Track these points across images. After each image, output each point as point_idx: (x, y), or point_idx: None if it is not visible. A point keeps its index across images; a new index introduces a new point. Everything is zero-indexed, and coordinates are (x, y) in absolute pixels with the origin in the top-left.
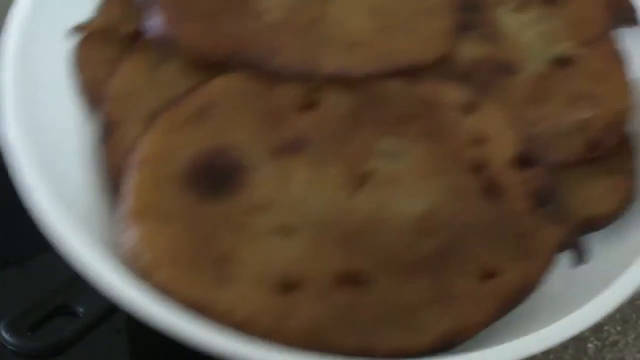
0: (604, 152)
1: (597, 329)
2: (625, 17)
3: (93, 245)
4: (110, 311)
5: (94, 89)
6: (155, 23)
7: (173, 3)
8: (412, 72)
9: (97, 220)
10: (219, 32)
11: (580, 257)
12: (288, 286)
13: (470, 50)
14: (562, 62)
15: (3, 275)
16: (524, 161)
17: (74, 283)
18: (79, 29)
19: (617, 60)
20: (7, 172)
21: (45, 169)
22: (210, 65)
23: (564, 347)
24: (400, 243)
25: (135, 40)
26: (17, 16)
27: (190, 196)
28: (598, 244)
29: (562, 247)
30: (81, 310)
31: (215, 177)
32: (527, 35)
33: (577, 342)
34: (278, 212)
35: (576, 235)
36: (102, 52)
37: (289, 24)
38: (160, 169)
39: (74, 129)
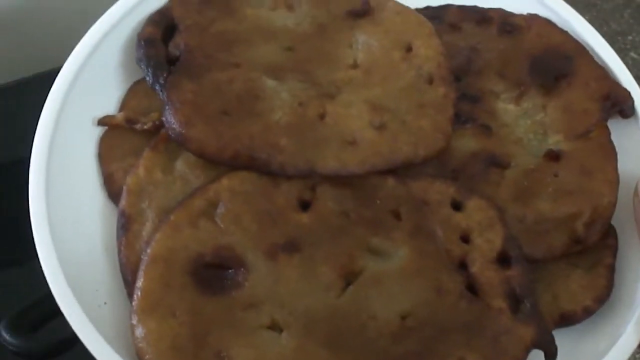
0: (586, 246)
1: None
2: (620, 109)
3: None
4: None
5: (115, 182)
6: (169, 120)
7: (186, 102)
8: (406, 168)
9: (115, 312)
10: (225, 134)
11: (551, 356)
12: None
13: (465, 143)
14: (553, 156)
15: (3, 275)
16: (506, 259)
17: None
18: (104, 121)
19: (607, 154)
20: (7, 174)
21: (65, 258)
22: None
23: None
24: (382, 342)
25: (156, 131)
26: (49, 107)
27: (193, 292)
28: (570, 339)
29: (534, 346)
30: None
31: (216, 274)
32: (522, 125)
33: None
34: (269, 310)
35: (549, 333)
36: (125, 143)
37: (291, 124)
38: (167, 267)
39: (98, 221)
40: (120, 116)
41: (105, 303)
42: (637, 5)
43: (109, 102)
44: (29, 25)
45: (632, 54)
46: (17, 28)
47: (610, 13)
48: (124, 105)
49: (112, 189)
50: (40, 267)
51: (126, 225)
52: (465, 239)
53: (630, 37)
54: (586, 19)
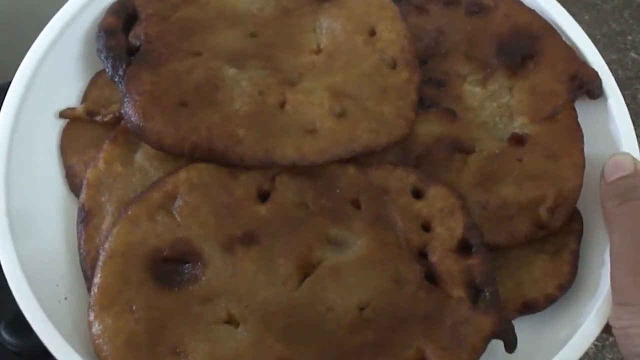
0: (551, 232)
1: None
2: (587, 89)
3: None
4: None
5: (76, 175)
6: (127, 113)
7: (143, 94)
8: (368, 155)
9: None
10: (183, 125)
11: (511, 345)
12: None
13: (429, 128)
14: (517, 140)
15: (3, 275)
16: (467, 247)
17: None
18: (65, 113)
19: (573, 136)
20: None
21: (24, 253)
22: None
23: None
24: (339, 333)
25: (117, 123)
26: (9, 100)
27: (150, 287)
28: (531, 327)
29: (493, 336)
30: None
31: (173, 268)
32: (487, 108)
33: None
34: (226, 304)
35: (508, 322)
36: (87, 136)
37: (250, 114)
38: (124, 262)
39: (59, 215)
40: (81, 108)
41: (65, 298)
42: (637, 5)
43: (70, 93)
44: (29, 25)
45: (632, 54)
46: (16, 28)
47: (610, 13)
48: (85, 96)
49: (73, 182)
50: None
51: (86, 219)
52: (426, 227)
53: (630, 37)
54: (586, 19)
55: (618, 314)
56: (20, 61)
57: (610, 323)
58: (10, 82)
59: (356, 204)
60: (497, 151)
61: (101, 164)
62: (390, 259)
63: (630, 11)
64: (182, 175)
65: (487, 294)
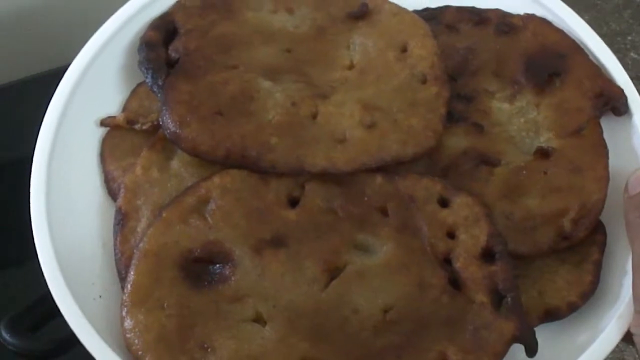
0: (574, 243)
1: None
2: (613, 106)
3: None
4: None
5: (114, 180)
6: (164, 120)
7: (181, 103)
8: (396, 165)
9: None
10: (218, 133)
11: (531, 350)
12: None
13: (456, 141)
14: (543, 154)
15: (3, 275)
16: (490, 254)
17: None
18: (106, 122)
19: (598, 151)
20: (8, 174)
21: (62, 252)
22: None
23: None
24: (363, 335)
25: (155, 131)
26: (52, 108)
27: (182, 286)
28: (552, 333)
29: (515, 341)
30: None
31: (204, 269)
32: (515, 124)
33: None
34: (254, 303)
35: (530, 328)
36: (127, 143)
37: (283, 124)
38: (157, 261)
39: (97, 218)
40: (121, 117)
41: (100, 296)
42: (637, 5)
43: (112, 103)
44: (29, 26)
45: (632, 54)
46: (17, 28)
47: (610, 13)
48: (125, 106)
49: (111, 187)
50: (40, 267)
51: (122, 222)
52: (451, 234)
53: (630, 37)
54: (586, 19)
55: (639, 322)
56: (22, 62)
57: (632, 330)
58: (12, 82)
59: (383, 212)
60: (522, 164)
61: (139, 170)
62: (415, 264)
63: (631, 11)
64: (216, 180)
65: (509, 299)
